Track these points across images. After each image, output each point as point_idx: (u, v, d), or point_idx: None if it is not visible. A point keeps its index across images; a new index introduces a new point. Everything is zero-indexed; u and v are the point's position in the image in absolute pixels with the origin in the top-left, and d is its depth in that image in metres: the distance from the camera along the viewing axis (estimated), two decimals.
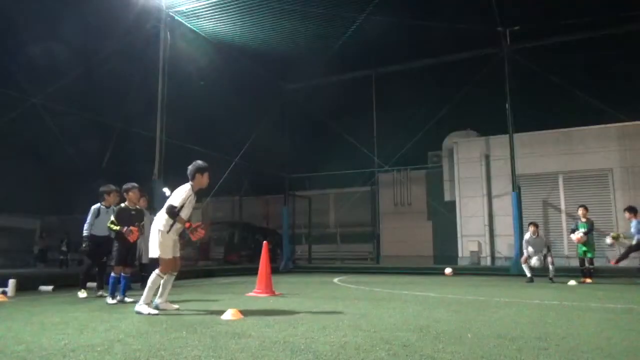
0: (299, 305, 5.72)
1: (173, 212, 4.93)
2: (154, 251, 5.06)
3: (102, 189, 7.31)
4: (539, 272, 10.41)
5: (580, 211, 10.47)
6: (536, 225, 10.51)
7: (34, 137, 14.78)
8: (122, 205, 6.38)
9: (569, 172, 16.35)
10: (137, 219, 6.34)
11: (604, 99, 15.21)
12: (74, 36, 12.15)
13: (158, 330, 3.83)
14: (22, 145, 16.30)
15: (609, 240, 9.88)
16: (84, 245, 7.17)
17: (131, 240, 6.22)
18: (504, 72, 14.97)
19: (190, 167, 5.21)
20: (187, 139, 14.77)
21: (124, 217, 6.21)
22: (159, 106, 12.61)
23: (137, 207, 6.53)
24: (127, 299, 6.04)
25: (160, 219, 5.05)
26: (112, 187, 7.28)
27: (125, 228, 6.10)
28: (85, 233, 7.13)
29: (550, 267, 10.19)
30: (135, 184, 6.46)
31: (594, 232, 10.33)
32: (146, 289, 4.99)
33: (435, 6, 13.78)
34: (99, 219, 7.08)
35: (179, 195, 5.02)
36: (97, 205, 7.25)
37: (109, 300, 5.96)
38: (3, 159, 16.36)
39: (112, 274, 6.20)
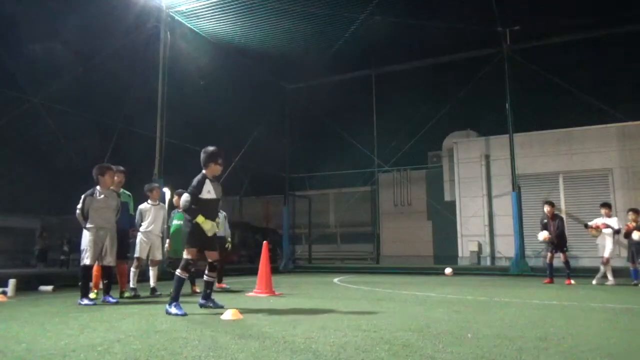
0: (299, 305, 5.72)
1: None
2: None
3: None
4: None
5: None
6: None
7: (34, 137, 14.78)
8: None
9: (569, 172, 16.35)
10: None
11: (604, 99, 15.24)
12: (74, 36, 12.14)
13: (158, 330, 3.83)
14: (22, 145, 16.29)
15: None
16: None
17: None
18: (504, 72, 14.97)
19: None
20: (187, 139, 14.76)
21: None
22: (159, 106, 12.61)
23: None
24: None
25: None
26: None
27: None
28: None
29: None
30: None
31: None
32: None
33: (435, 6, 13.78)
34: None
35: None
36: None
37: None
38: (3, 159, 16.36)
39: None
